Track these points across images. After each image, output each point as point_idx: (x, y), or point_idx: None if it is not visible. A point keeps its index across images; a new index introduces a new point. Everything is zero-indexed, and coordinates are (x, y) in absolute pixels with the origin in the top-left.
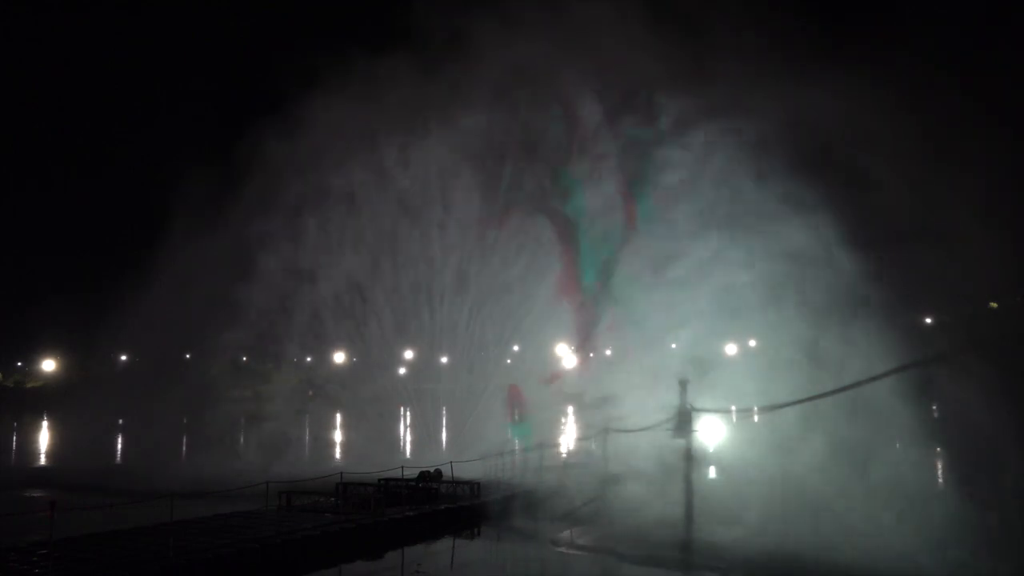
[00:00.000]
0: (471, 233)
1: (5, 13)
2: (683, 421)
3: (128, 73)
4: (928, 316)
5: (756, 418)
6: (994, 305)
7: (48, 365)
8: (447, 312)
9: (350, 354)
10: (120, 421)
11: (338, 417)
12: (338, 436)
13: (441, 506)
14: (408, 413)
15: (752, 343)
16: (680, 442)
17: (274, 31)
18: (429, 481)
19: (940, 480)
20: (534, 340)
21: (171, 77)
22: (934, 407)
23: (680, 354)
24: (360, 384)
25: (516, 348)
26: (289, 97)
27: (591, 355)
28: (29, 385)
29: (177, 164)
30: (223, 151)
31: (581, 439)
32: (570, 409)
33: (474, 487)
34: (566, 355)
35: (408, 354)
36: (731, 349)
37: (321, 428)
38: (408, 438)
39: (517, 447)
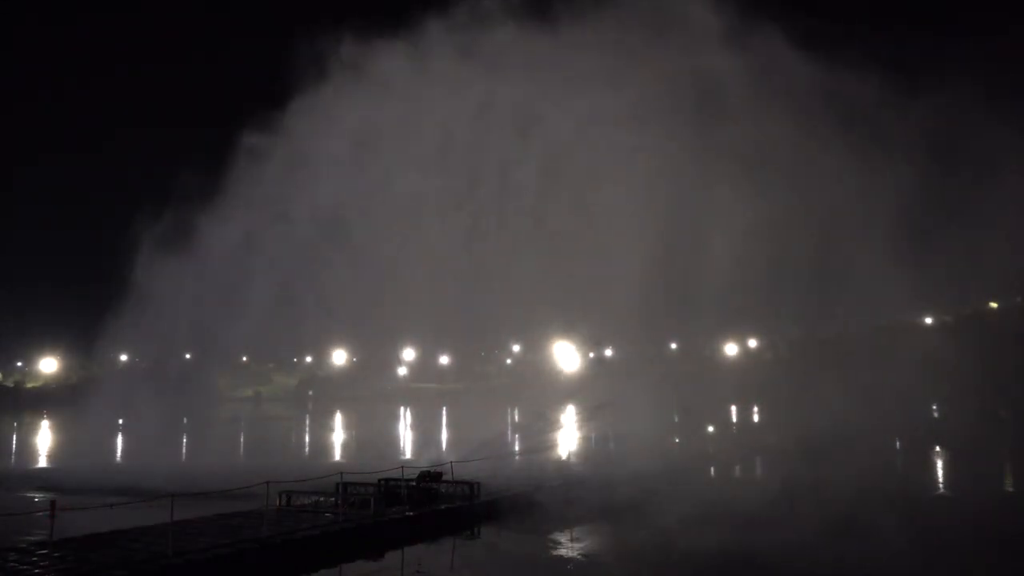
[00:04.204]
0: None
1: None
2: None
3: (128, 69)
4: (928, 316)
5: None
6: (994, 305)
7: (48, 365)
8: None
9: (351, 354)
10: (120, 421)
11: (338, 417)
12: (338, 436)
13: (441, 506)
14: (408, 413)
15: (752, 343)
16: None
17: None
18: (429, 481)
19: None
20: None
21: (171, 75)
22: (934, 407)
23: None
24: (360, 384)
25: (516, 348)
26: (287, 94)
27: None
28: (29, 385)
29: (177, 162)
30: (223, 150)
31: (581, 440)
32: (571, 409)
33: (474, 487)
34: (567, 354)
35: (408, 354)
36: (731, 349)
37: (321, 428)
38: (408, 438)
39: (517, 448)
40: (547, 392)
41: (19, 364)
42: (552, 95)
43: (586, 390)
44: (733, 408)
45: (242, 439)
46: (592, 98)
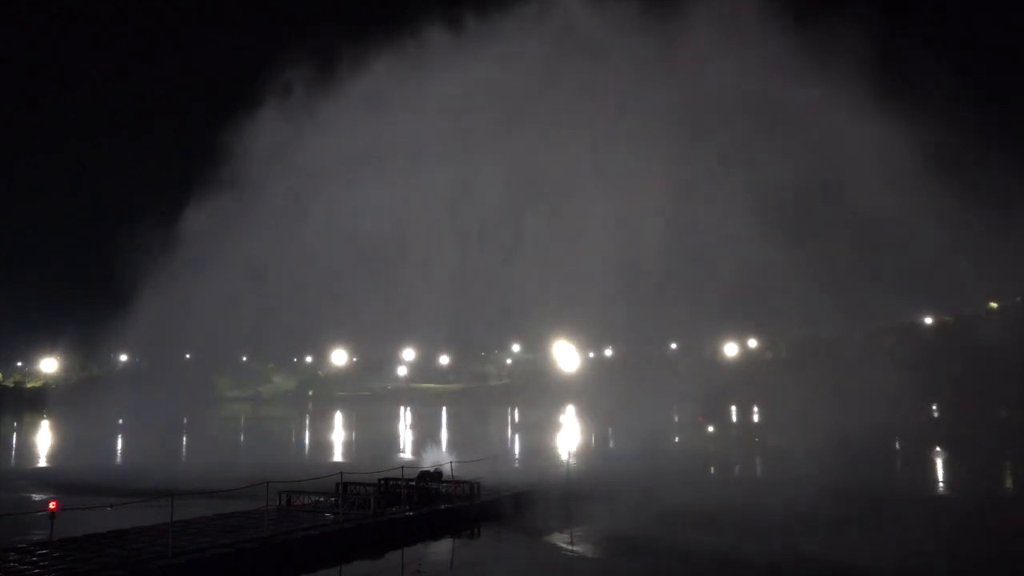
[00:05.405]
0: None
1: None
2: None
3: (130, 65)
4: (928, 316)
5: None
6: (994, 305)
7: (48, 365)
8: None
9: (351, 354)
10: (120, 421)
11: (338, 416)
12: (338, 436)
13: (441, 506)
14: (408, 413)
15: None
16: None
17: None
18: (429, 481)
19: None
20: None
21: (172, 73)
22: (934, 407)
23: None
24: (360, 383)
25: (516, 348)
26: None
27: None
28: (29, 385)
29: (176, 163)
30: (223, 150)
31: (581, 439)
32: (570, 409)
33: (474, 487)
34: (567, 354)
35: (408, 354)
36: (731, 349)
37: (321, 428)
38: (408, 438)
39: (517, 447)
40: (547, 392)
41: (19, 364)
42: (555, 99)
43: (584, 390)
44: (733, 408)
45: (242, 439)
46: (596, 99)
